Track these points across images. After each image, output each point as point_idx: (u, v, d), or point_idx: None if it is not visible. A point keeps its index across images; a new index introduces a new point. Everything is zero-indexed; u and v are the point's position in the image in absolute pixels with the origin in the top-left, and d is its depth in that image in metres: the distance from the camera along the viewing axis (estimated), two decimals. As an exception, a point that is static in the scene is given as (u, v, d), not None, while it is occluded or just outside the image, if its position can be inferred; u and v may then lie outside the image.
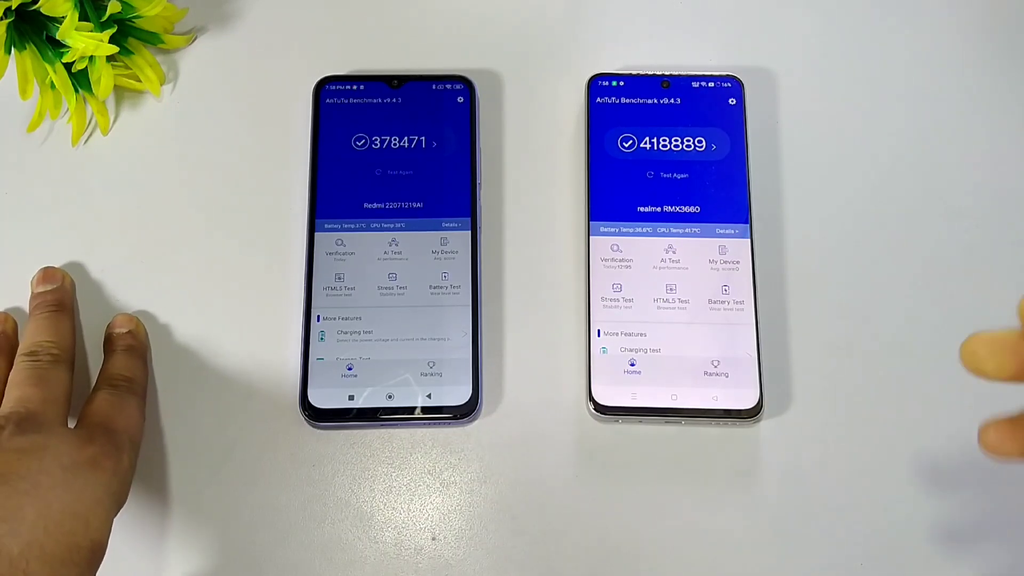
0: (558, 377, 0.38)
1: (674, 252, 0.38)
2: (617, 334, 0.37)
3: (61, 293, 0.38)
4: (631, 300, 0.38)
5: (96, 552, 0.30)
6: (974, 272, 0.40)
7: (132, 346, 0.37)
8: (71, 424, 0.34)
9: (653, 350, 0.37)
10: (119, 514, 0.32)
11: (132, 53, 0.41)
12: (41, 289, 0.38)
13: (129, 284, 0.40)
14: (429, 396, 0.37)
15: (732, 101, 0.40)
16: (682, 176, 0.39)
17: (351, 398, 0.37)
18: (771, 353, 0.38)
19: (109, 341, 0.38)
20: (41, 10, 0.37)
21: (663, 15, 0.44)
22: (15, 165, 0.41)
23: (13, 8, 0.37)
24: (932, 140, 0.42)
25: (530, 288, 0.39)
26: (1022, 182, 0.41)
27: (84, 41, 0.38)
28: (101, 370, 0.37)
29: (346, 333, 0.37)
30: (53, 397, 0.34)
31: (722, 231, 0.39)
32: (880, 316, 0.39)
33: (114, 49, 0.39)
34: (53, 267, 0.39)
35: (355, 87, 0.41)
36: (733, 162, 0.40)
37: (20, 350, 0.35)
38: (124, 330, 0.38)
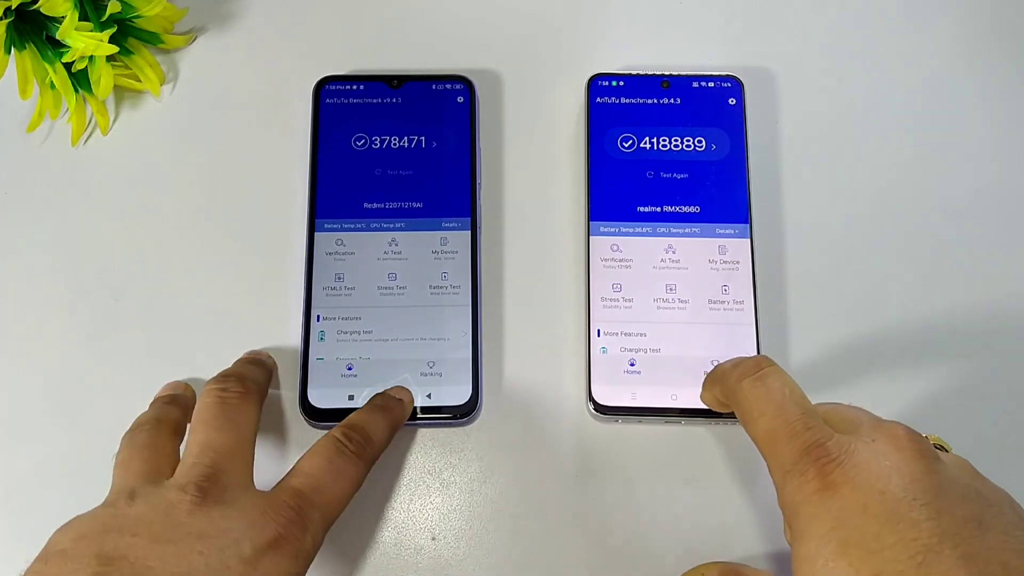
0: (558, 377, 0.38)
1: (674, 252, 0.38)
2: (617, 334, 0.37)
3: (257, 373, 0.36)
4: (631, 300, 0.38)
5: None
6: (974, 272, 0.40)
7: (390, 410, 0.35)
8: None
9: (653, 350, 0.37)
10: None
11: (132, 53, 0.41)
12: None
13: (129, 283, 0.40)
14: (429, 396, 0.37)
15: (732, 101, 0.40)
16: (682, 176, 0.39)
17: (351, 398, 0.37)
18: (771, 353, 0.38)
19: (375, 395, 0.36)
20: (41, 10, 0.37)
21: (663, 15, 0.44)
22: (15, 165, 0.41)
23: (13, 8, 0.37)
24: (932, 140, 0.42)
25: (530, 288, 0.39)
26: (1022, 182, 0.41)
27: (84, 41, 0.38)
28: (347, 418, 0.34)
29: (346, 333, 0.37)
30: (239, 446, 0.31)
31: (722, 231, 0.39)
32: (880, 316, 0.39)
33: (114, 49, 0.39)
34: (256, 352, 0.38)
35: (355, 87, 0.41)
36: (733, 162, 0.40)
37: (209, 382, 0.34)
38: (395, 396, 0.36)
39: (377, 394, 0.36)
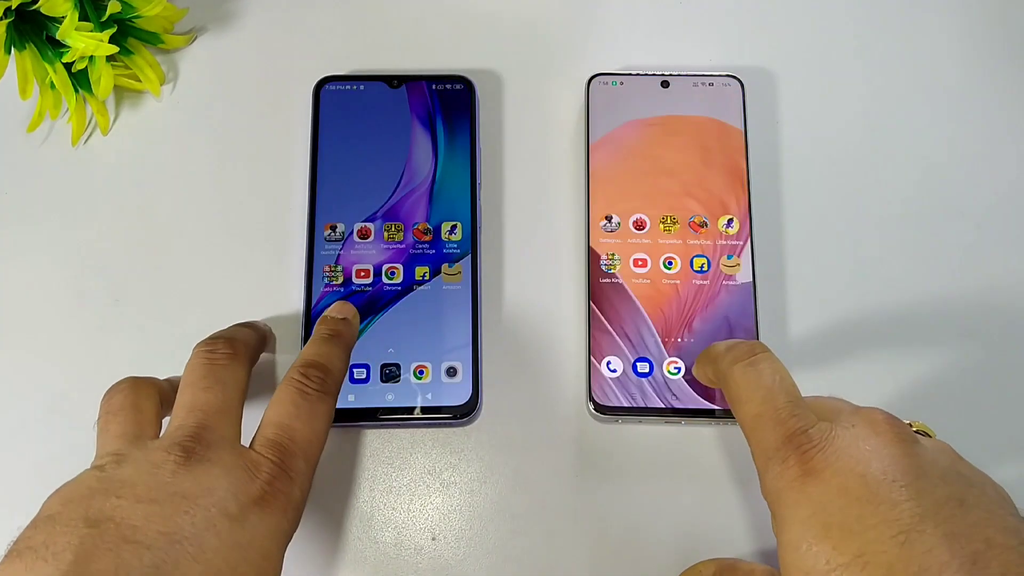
0: (558, 377, 0.38)
1: (675, 252, 0.38)
2: (617, 334, 0.37)
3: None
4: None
5: None
6: (974, 271, 0.40)
7: (339, 334, 0.35)
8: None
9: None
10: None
11: (132, 53, 0.41)
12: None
13: (129, 284, 0.40)
14: (429, 396, 0.37)
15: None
16: (682, 176, 0.39)
17: (351, 398, 0.37)
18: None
19: (318, 324, 0.35)
20: (41, 10, 0.37)
21: (663, 15, 0.44)
22: (15, 165, 0.41)
23: (13, 8, 0.37)
24: (932, 140, 0.42)
25: (530, 288, 0.39)
26: (1022, 182, 0.41)
27: (84, 41, 0.38)
28: (299, 356, 0.33)
29: (346, 333, 0.37)
30: (226, 404, 0.31)
31: (722, 231, 0.39)
32: (880, 315, 0.39)
33: (114, 49, 0.39)
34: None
35: (355, 87, 0.41)
36: (732, 162, 0.40)
37: (197, 345, 0.33)
38: (338, 316, 0.35)
39: (320, 320, 0.35)
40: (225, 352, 0.32)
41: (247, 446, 0.30)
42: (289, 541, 0.29)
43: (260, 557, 0.27)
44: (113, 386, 0.32)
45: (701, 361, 0.35)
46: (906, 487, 0.25)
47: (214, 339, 0.33)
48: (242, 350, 0.33)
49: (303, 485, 0.30)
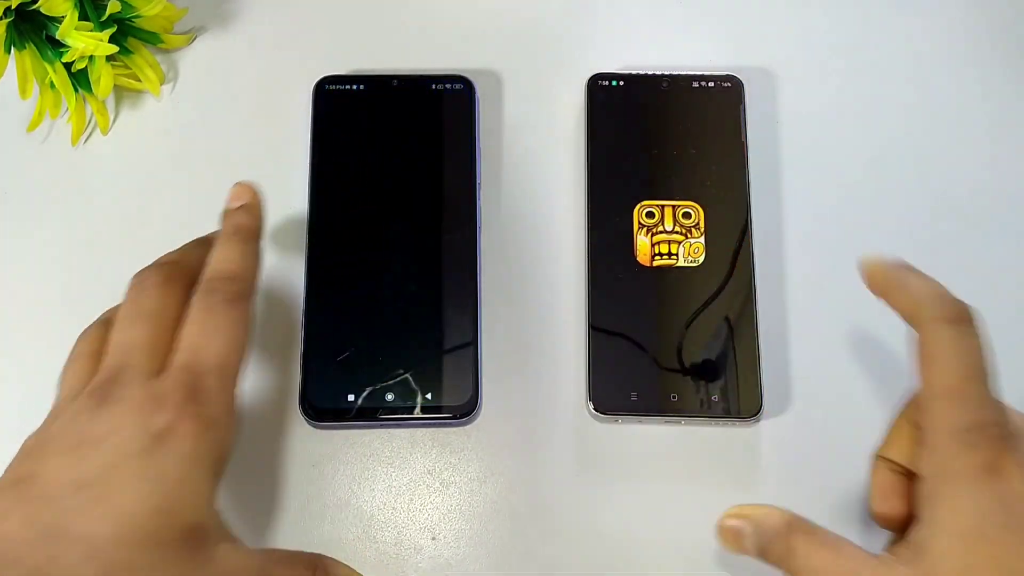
0: (558, 377, 0.38)
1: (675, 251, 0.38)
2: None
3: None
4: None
5: (194, 534, 0.27)
6: (974, 272, 0.40)
7: (240, 227, 0.32)
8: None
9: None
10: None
11: (132, 53, 0.41)
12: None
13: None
14: (429, 396, 0.37)
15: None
16: (682, 176, 0.39)
17: (351, 398, 0.37)
18: (771, 353, 0.38)
19: (221, 219, 0.33)
20: (41, 10, 0.37)
21: (663, 15, 0.44)
22: (15, 165, 0.41)
23: (13, 8, 0.37)
24: (932, 140, 0.42)
25: (530, 288, 0.39)
26: (1022, 182, 0.41)
27: (84, 41, 0.38)
28: (208, 263, 0.31)
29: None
30: (146, 337, 0.29)
31: (722, 231, 0.39)
32: (880, 316, 0.39)
33: (114, 49, 0.39)
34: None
35: (355, 87, 0.41)
36: (732, 161, 0.40)
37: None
38: (236, 204, 0.33)
39: (223, 215, 0.33)
40: (155, 280, 0.31)
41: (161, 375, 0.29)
42: (222, 457, 0.29)
43: (175, 484, 0.27)
44: (84, 331, 0.32)
45: (884, 273, 0.32)
46: None
47: (147, 268, 0.32)
48: (177, 273, 0.31)
49: (220, 400, 0.29)
